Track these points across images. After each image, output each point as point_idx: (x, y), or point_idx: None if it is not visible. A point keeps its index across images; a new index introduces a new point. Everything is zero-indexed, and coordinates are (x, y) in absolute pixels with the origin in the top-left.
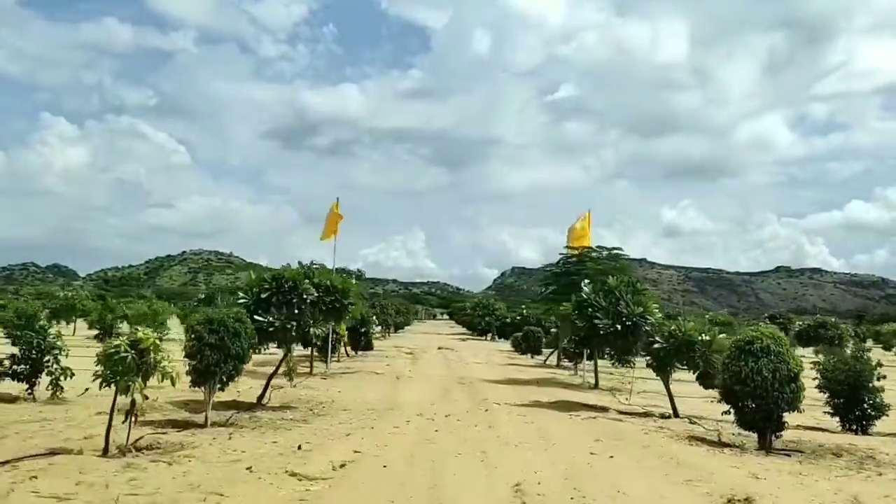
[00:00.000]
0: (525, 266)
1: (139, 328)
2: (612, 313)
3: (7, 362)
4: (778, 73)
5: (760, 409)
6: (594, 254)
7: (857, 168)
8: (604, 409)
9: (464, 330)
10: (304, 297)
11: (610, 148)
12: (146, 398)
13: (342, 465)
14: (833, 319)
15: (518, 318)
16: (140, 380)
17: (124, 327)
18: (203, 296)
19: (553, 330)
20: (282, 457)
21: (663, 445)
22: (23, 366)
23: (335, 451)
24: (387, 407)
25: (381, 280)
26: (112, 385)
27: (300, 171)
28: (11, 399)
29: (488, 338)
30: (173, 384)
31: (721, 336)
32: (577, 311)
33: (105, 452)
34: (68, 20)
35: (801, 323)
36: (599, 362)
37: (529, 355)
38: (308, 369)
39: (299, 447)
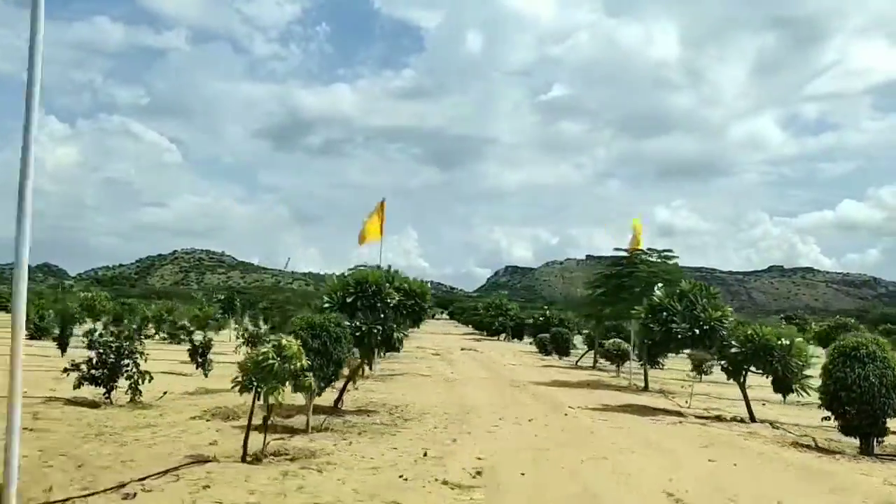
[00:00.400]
0: (518, 265)
1: (282, 336)
2: (688, 317)
3: (84, 366)
4: (770, 73)
5: (866, 414)
6: (645, 256)
7: (848, 168)
8: (679, 414)
9: (470, 330)
10: (388, 301)
11: (602, 147)
12: (280, 405)
13: (479, 473)
14: (853, 321)
15: (541, 318)
16: (285, 388)
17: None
18: (223, 296)
19: (585, 331)
20: (417, 464)
21: (776, 452)
22: (101, 370)
23: (459, 457)
24: (462, 411)
25: None
26: (252, 391)
27: (292, 170)
28: (93, 404)
29: (502, 338)
30: (309, 393)
31: (799, 340)
32: (651, 315)
33: (243, 459)
34: (61, 18)
35: (820, 324)
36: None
37: (558, 356)
38: (360, 372)
39: (425, 454)
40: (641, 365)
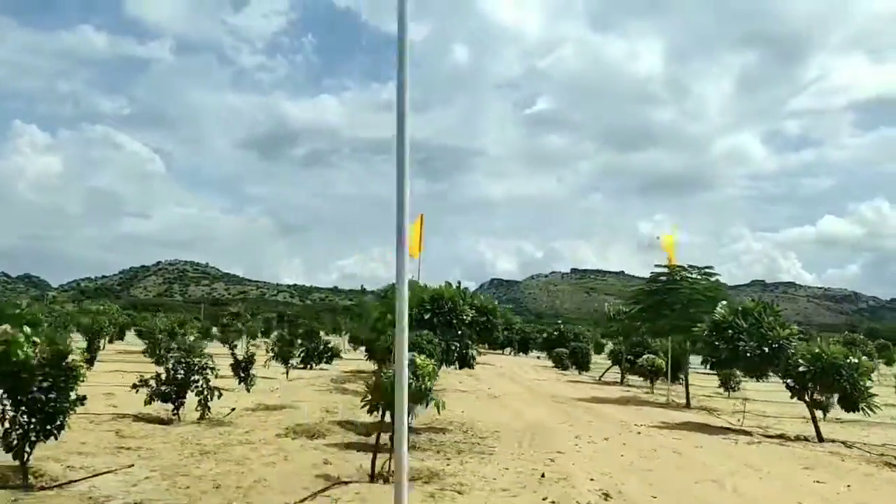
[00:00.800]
0: (503, 278)
1: (415, 354)
2: (755, 336)
3: (153, 382)
4: (752, 90)
5: None
6: (685, 273)
7: (829, 183)
8: (744, 433)
9: None
10: (464, 317)
11: (587, 161)
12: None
13: (607, 495)
14: (861, 337)
15: (555, 333)
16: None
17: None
18: (237, 311)
19: (611, 347)
20: (543, 486)
21: (879, 473)
22: (170, 386)
23: (575, 479)
24: (530, 429)
25: (360, 291)
26: (380, 411)
27: (278, 181)
28: (160, 420)
29: (507, 352)
30: (438, 411)
31: (865, 359)
32: (717, 333)
33: (372, 479)
34: (44, 27)
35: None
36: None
37: (578, 371)
38: None
39: (542, 475)
40: (678, 382)
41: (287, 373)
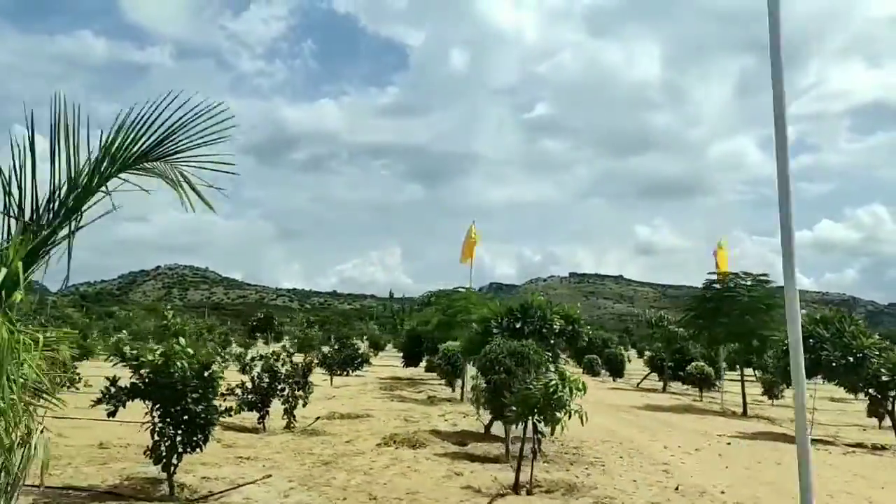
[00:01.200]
0: (502, 282)
1: (558, 365)
2: (839, 345)
3: (239, 391)
4: (750, 94)
5: None
6: (739, 280)
7: (826, 188)
8: (822, 442)
9: None
10: (554, 326)
11: (585, 165)
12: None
13: None
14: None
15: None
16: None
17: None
18: (260, 317)
19: (647, 353)
20: (686, 498)
21: None
22: (255, 394)
23: (709, 493)
24: (616, 440)
25: (359, 296)
26: (524, 422)
27: (276, 185)
28: (249, 428)
29: None
30: (582, 423)
31: None
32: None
33: (516, 491)
34: (43, 32)
35: None
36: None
37: (612, 378)
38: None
39: (676, 488)
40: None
41: (331, 379)
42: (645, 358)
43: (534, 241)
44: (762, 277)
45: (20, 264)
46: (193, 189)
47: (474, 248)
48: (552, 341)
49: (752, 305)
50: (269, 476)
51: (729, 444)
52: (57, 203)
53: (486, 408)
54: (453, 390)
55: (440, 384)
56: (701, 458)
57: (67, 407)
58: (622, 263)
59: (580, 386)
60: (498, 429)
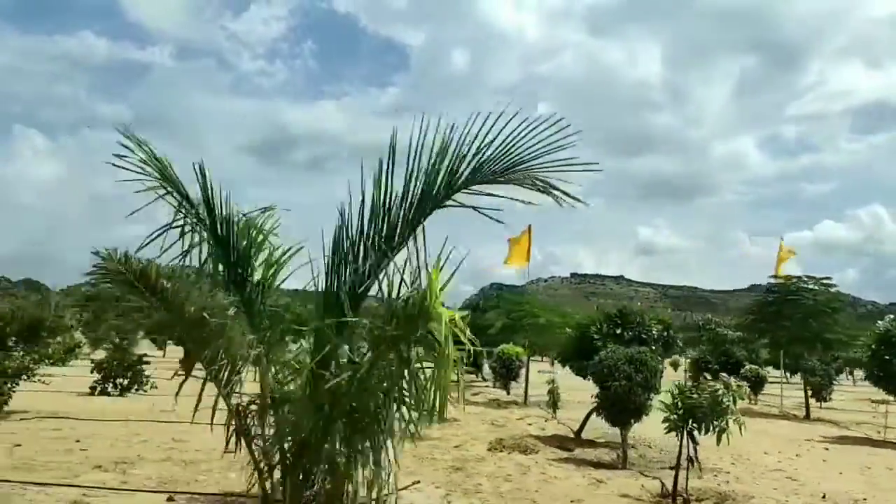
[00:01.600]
0: (503, 283)
1: (724, 375)
2: None
3: None
4: (751, 95)
5: None
6: (802, 284)
7: (827, 188)
8: None
9: None
10: (653, 332)
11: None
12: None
13: None
14: None
15: None
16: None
17: None
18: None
19: (689, 356)
20: None
21: None
22: None
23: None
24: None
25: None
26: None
27: (277, 185)
28: None
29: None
30: (741, 432)
31: None
32: (885, 346)
33: (673, 499)
34: (43, 32)
35: None
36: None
37: None
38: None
39: (824, 496)
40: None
41: None
42: (688, 361)
43: (535, 242)
44: (826, 281)
45: None
46: (565, 193)
47: (528, 252)
48: (652, 347)
49: (816, 309)
50: (418, 482)
51: (827, 449)
52: None
53: (600, 414)
54: (508, 393)
55: (486, 386)
56: (811, 463)
57: None
58: (623, 264)
59: (742, 395)
60: (588, 433)
